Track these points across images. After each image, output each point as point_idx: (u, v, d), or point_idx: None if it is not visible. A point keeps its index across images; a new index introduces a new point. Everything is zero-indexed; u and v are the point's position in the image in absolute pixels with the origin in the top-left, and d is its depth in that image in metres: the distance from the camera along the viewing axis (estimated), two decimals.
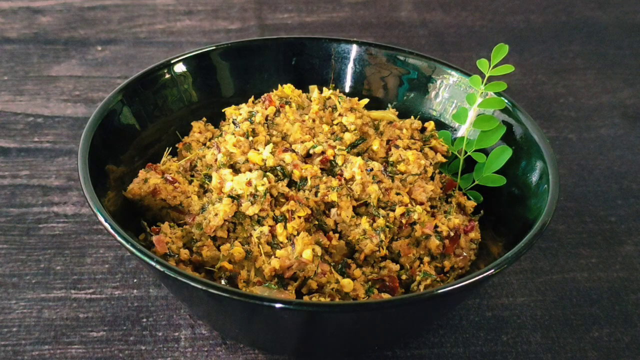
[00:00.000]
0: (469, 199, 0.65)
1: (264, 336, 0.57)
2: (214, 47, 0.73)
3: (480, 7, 1.11)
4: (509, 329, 0.63)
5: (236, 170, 0.63)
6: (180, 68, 0.71)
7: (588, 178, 0.80)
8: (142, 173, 0.62)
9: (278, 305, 0.48)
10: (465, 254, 0.61)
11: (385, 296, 0.56)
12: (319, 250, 0.56)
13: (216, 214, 0.58)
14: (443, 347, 0.61)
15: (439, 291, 0.50)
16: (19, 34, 0.99)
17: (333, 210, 0.60)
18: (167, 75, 0.70)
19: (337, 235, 0.60)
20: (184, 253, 0.57)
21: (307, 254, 0.55)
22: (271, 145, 0.63)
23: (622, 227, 0.73)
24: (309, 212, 0.59)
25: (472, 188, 0.66)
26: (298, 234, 0.57)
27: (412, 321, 0.57)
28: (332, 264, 0.58)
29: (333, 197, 0.60)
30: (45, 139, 0.81)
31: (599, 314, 0.64)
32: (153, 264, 0.49)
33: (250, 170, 0.61)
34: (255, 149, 0.64)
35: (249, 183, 0.59)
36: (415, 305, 0.51)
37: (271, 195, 0.59)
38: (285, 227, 0.57)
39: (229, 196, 0.59)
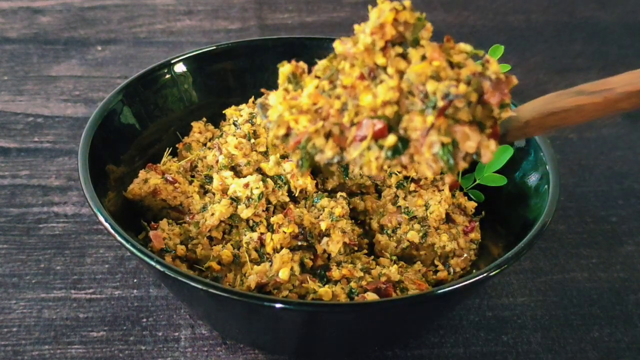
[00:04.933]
0: (469, 199, 0.65)
1: (264, 336, 0.57)
2: (214, 47, 0.73)
3: (482, 7, 1.11)
4: (509, 329, 0.62)
5: (237, 172, 0.63)
6: (180, 68, 0.70)
7: (589, 178, 0.79)
8: (142, 173, 0.62)
9: (278, 306, 0.47)
10: (465, 254, 0.60)
11: (371, 296, 0.55)
12: (297, 269, 0.55)
13: (212, 214, 0.59)
14: (443, 347, 0.60)
15: (439, 291, 0.49)
16: (19, 34, 0.99)
17: (325, 239, 0.58)
18: (167, 75, 0.70)
19: (325, 255, 0.58)
20: (181, 249, 0.58)
21: (283, 274, 0.54)
22: (277, 155, 0.62)
23: (623, 227, 0.73)
24: (296, 230, 0.57)
25: (473, 188, 0.66)
26: (282, 248, 0.57)
27: (412, 321, 0.57)
28: (309, 268, 0.57)
29: (323, 226, 0.58)
30: (45, 139, 0.81)
31: (600, 314, 0.64)
32: (153, 263, 0.49)
33: (252, 173, 0.61)
34: (256, 150, 0.64)
35: (246, 185, 0.59)
36: (415, 305, 0.51)
37: (269, 202, 0.59)
38: (272, 238, 0.57)
39: (230, 198, 0.59)
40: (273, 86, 0.71)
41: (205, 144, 0.69)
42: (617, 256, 0.70)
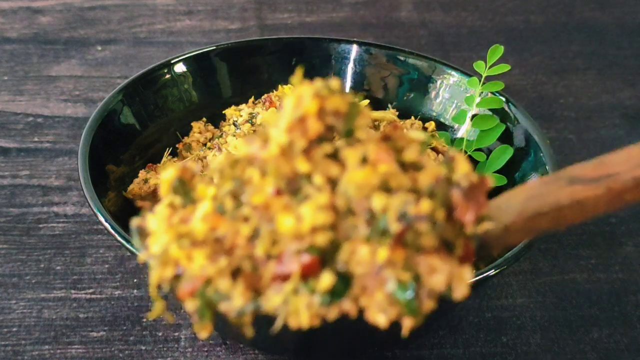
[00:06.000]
0: None
1: (264, 336, 0.57)
2: (214, 47, 0.73)
3: (481, 8, 1.11)
4: (508, 330, 0.62)
5: None
6: (180, 68, 0.70)
7: None
8: (142, 173, 0.62)
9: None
10: None
11: None
12: None
13: None
14: (443, 348, 0.60)
15: None
16: (19, 34, 0.98)
17: None
18: (167, 75, 0.70)
19: None
20: None
21: None
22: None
23: (622, 229, 0.73)
24: None
25: None
26: None
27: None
28: None
29: None
30: (45, 139, 0.81)
31: (599, 315, 0.64)
32: None
33: None
34: None
35: None
36: None
37: None
38: None
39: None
40: (273, 86, 0.71)
41: (205, 144, 0.69)
42: (616, 257, 0.70)
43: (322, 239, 0.30)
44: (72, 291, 0.63)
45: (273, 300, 0.31)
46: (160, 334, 0.60)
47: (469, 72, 0.69)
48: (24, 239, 0.68)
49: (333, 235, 0.30)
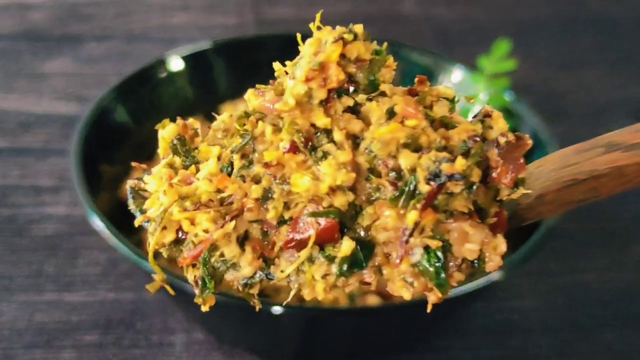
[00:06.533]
0: None
1: (262, 341, 0.56)
2: (210, 44, 0.72)
3: (485, 1, 1.10)
4: (518, 332, 0.61)
5: None
6: (175, 65, 0.69)
7: None
8: (136, 173, 0.61)
9: (276, 310, 0.46)
10: None
11: (373, 299, 0.53)
12: None
13: None
14: (451, 351, 0.59)
15: None
16: (10, 31, 0.97)
17: None
18: (163, 73, 0.69)
19: None
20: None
21: None
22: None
23: (636, 226, 0.71)
24: None
25: None
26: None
27: (415, 327, 0.56)
28: None
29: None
30: (37, 138, 0.79)
31: (612, 317, 0.62)
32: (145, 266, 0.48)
33: None
34: None
35: None
36: (417, 310, 0.49)
37: None
38: None
39: None
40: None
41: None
42: (630, 255, 0.68)
43: (342, 201, 0.27)
44: (65, 294, 0.62)
45: (284, 268, 0.28)
46: (155, 338, 0.59)
47: (473, 68, 0.69)
48: (15, 240, 0.67)
49: (354, 198, 0.27)
